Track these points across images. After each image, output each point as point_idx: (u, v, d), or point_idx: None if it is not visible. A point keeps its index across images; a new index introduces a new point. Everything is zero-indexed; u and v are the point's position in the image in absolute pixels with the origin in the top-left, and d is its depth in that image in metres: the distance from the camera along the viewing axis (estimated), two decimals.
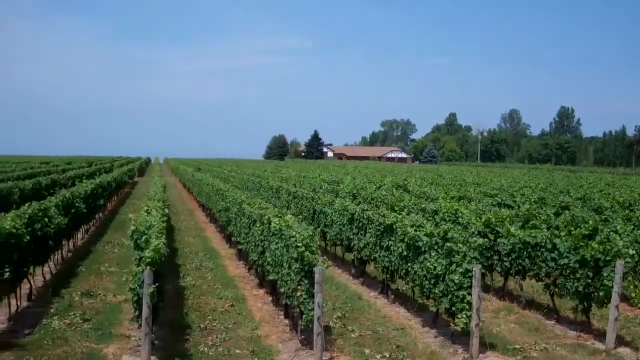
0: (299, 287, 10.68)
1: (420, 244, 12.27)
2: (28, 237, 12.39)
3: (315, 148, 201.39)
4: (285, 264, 11.75)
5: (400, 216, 14.36)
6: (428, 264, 11.89)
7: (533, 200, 25.27)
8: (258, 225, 14.56)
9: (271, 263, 13.05)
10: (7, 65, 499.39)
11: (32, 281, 14.15)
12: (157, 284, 9.56)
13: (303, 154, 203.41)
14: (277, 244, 12.48)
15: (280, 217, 13.29)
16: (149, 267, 9.43)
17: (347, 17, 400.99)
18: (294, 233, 11.17)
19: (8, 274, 10.90)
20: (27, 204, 14.47)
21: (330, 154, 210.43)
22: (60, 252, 17.98)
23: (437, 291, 11.63)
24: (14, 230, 11.63)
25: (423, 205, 20.51)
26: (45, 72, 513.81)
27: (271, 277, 13.25)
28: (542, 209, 21.66)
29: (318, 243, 11.63)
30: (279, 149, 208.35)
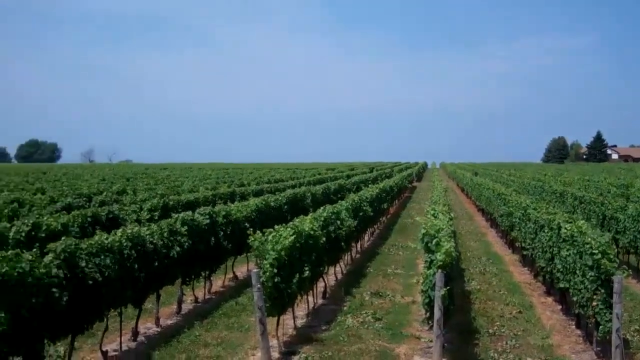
0: (594, 297, 10.14)
1: None
2: (324, 238, 13.22)
3: (597, 150, 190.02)
4: (577, 272, 11.22)
5: None
6: None
7: None
8: (546, 231, 14.09)
9: (561, 270, 12.55)
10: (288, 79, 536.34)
11: (326, 280, 15.04)
12: (448, 287, 9.66)
13: (584, 157, 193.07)
14: (568, 250, 11.97)
15: (571, 222, 12.73)
16: (440, 270, 9.56)
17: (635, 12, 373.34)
18: (589, 239, 10.63)
19: (307, 272, 11.69)
20: (321, 208, 15.44)
21: (615, 156, 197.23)
22: (349, 253, 18.91)
23: None
24: (312, 232, 12.46)
25: None
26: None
27: (561, 285, 12.73)
28: None
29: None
30: (558, 152, 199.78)
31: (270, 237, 10.84)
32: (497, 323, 12.78)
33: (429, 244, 10.58)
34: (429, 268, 10.26)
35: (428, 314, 10.19)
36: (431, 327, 9.91)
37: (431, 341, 10.04)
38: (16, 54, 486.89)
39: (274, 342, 10.77)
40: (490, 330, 12.23)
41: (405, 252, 21.94)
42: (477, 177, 47.33)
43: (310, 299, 13.52)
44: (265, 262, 10.36)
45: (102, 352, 10.27)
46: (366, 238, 23.99)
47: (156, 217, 19.43)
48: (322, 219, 14.21)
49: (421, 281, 10.55)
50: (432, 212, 14.56)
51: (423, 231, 11.02)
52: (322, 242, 13.03)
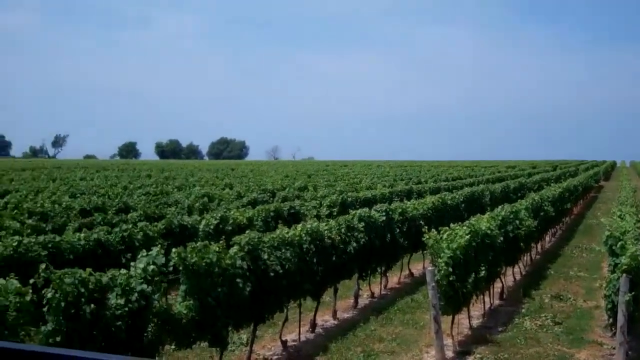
0: None
1: None
2: (501, 238, 12.97)
3: None
4: None
5: None
6: None
7: None
8: None
9: None
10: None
11: (503, 280, 14.74)
12: (633, 292, 9.19)
13: None
14: None
15: None
16: (624, 274, 9.12)
17: None
18: None
19: (483, 272, 11.53)
20: (499, 207, 15.16)
21: None
22: (529, 253, 18.36)
23: None
24: (489, 231, 12.28)
25: None
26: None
27: None
28: None
29: None
30: None
31: (445, 236, 10.82)
32: None
33: (614, 247, 10.11)
34: (612, 272, 9.82)
35: (611, 319, 9.76)
36: (614, 334, 9.50)
37: (614, 348, 9.62)
38: (211, 57, 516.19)
39: (448, 341, 10.75)
40: None
41: (590, 254, 20.97)
42: None
43: (487, 299, 13.31)
44: (440, 260, 10.36)
45: (281, 341, 10.75)
46: (547, 239, 23.15)
47: (335, 213, 19.97)
48: (500, 218, 13.93)
49: (604, 285, 10.09)
50: (619, 213, 13.87)
51: (607, 233, 10.55)
52: (499, 241, 12.79)
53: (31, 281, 6.43)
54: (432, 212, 17.95)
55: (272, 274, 9.63)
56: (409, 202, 17.44)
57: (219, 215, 15.90)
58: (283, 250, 10.17)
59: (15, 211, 19.12)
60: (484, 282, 11.96)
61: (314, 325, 11.95)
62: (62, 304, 6.31)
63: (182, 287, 8.21)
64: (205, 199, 24.83)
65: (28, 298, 6.19)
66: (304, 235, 11.01)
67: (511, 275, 16.34)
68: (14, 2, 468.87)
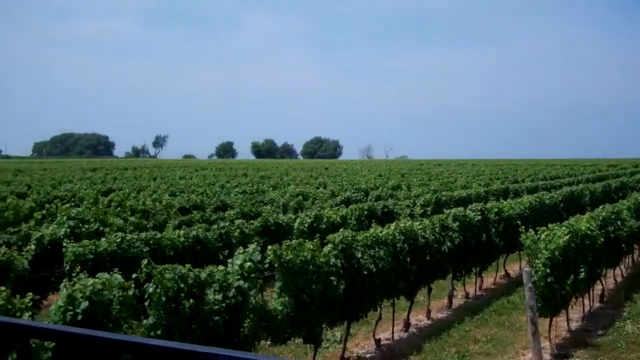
0: None
1: None
2: (601, 239, 12.57)
3: None
4: None
5: None
6: None
7: None
8: None
9: None
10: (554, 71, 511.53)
11: (603, 282, 14.29)
12: None
13: None
14: None
15: None
16: None
17: None
18: None
19: (583, 273, 11.22)
20: (600, 207, 14.69)
21: None
22: (630, 255, 17.71)
23: None
24: (589, 232, 11.92)
25: None
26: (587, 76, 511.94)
27: None
28: None
29: None
30: None
31: (543, 236, 10.60)
32: None
33: None
34: None
35: None
36: None
37: None
38: (306, 57, 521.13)
39: (545, 344, 10.53)
40: None
41: None
42: None
43: (586, 301, 12.94)
44: (537, 261, 10.17)
45: (375, 339, 10.80)
46: None
47: (428, 212, 19.82)
48: (601, 218, 13.51)
49: None
50: None
51: None
52: (599, 242, 12.40)
53: (134, 276, 6.69)
54: (529, 211, 17.55)
55: (365, 273, 9.68)
56: (505, 202, 17.13)
57: (313, 213, 16.07)
58: (376, 249, 10.21)
59: (119, 209, 19.85)
60: (584, 284, 11.64)
61: (407, 324, 11.94)
62: (163, 298, 6.56)
63: (278, 284, 8.37)
64: (300, 197, 25.11)
65: (131, 292, 6.44)
66: (397, 234, 11.01)
67: (612, 278, 15.83)
68: (115, 10, 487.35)
